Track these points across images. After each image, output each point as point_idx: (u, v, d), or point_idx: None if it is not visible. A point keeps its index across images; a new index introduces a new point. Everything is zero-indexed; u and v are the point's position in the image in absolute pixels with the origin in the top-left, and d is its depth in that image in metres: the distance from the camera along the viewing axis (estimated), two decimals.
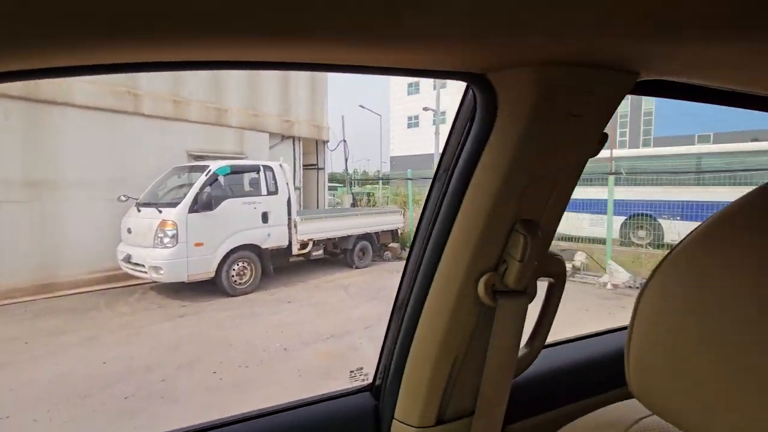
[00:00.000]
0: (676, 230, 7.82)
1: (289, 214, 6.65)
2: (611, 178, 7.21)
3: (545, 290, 0.72)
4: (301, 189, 8.97)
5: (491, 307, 0.64)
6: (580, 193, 9.13)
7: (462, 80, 0.55)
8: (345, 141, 11.93)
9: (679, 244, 0.40)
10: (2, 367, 3.72)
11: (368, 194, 13.33)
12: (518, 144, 0.56)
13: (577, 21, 0.39)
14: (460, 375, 0.69)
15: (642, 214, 8.67)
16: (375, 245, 7.96)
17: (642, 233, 8.71)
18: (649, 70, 0.54)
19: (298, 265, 7.37)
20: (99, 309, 5.36)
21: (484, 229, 0.60)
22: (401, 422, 0.72)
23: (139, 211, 5.80)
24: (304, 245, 6.89)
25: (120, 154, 6.71)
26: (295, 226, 6.70)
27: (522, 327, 0.67)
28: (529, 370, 0.75)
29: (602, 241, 7.46)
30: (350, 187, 12.55)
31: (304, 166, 9.21)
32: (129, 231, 5.81)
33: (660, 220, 8.29)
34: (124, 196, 5.88)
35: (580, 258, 7.13)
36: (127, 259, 5.69)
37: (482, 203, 0.59)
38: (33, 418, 3.03)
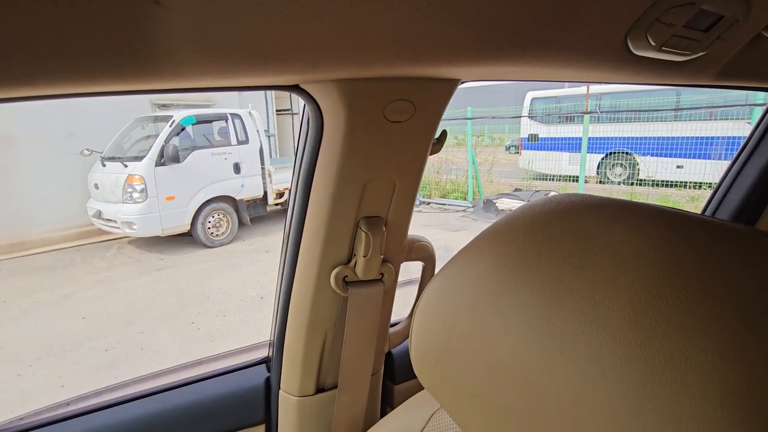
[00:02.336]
0: (652, 168, 7.96)
1: (262, 163, 6.53)
2: (586, 117, 7.15)
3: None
4: (276, 136, 8.72)
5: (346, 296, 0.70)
6: (558, 131, 9.12)
7: (282, 90, 0.54)
8: None
9: (465, 246, 0.42)
10: None
11: None
12: (344, 150, 0.58)
13: (374, 50, 0.38)
14: (332, 351, 0.75)
15: (619, 152, 8.74)
16: None
17: (619, 170, 8.84)
18: (469, 77, 0.55)
19: (276, 214, 7.39)
20: (75, 265, 5.40)
21: (328, 229, 0.64)
22: (286, 393, 0.78)
23: (104, 165, 5.63)
24: (280, 194, 6.86)
25: (77, 103, 6.36)
26: (270, 175, 6.61)
27: (383, 309, 0.72)
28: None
29: (579, 180, 7.58)
30: None
31: (277, 111, 8.88)
32: (96, 186, 5.68)
33: (636, 156, 8.39)
34: (87, 149, 5.67)
35: None
36: (98, 215, 5.62)
37: (323, 205, 0.63)
38: (17, 373, 3.17)
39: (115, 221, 5.41)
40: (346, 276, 0.69)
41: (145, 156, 5.38)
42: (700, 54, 0.50)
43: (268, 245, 6.06)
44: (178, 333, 3.68)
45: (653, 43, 0.44)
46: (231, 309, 4.10)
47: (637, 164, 8.37)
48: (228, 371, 0.84)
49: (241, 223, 6.32)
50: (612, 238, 0.31)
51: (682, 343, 0.25)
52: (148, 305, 4.21)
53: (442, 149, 0.67)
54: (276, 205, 6.99)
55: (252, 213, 6.57)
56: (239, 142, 6.26)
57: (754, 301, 0.25)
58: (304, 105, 0.61)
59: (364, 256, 0.65)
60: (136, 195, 5.29)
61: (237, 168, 6.19)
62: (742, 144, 1.13)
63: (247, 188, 6.35)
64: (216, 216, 6.00)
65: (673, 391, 0.24)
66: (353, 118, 0.56)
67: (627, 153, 8.59)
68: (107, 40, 0.31)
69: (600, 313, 0.28)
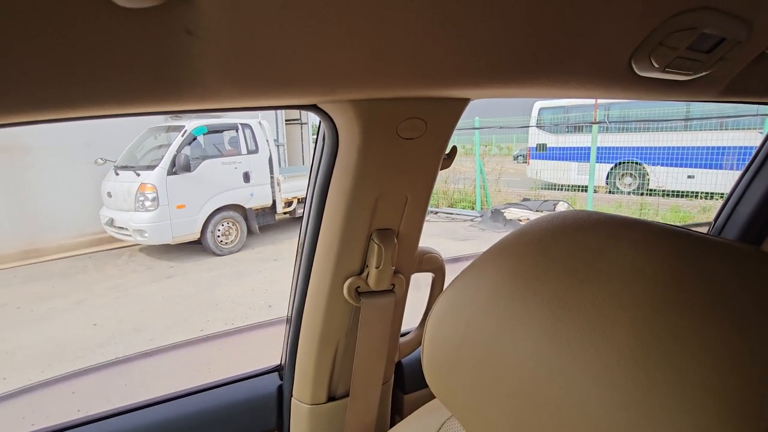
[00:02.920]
0: (663, 178, 7.88)
1: (272, 172, 6.60)
2: (594, 126, 7.14)
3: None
4: (285, 146, 8.81)
5: (359, 306, 0.72)
6: (566, 141, 9.10)
7: (300, 109, 0.57)
8: None
9: (475, 258, 0.43)
10: None
11: None
12: (358, 165, 0.61)
13: (389, 75, 0.41)
14: (344, 360, 0.76)
15: (628, 162, 8.68)
16: None
17: (628, 180, 8.77)
18: (479, 97, 0.57)
19: (285, 223, 7.44)
20: (88, 272, 5.47)
21: (342, 240, 0.67)
22: (298, 401, 0.79)
23: (117, 174, 5.74)
24: (288, 203, 6.91)
25: None
26: (278, 184, 6.67)
27: (394, 319, 0.74)
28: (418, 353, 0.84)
29: (588, 189, 7.53)
30: None
31: (286, 121, 8.99)
32: (109, 195, 5.78)
33: (646, 166, 8.32)
34: (101, 159, 5.79)
35: (561, 208, 7.24)
36: (111, 223, 5.71)
37: (337, 217, 0.65)
38: (29, 378, 3.21)
39: (126, 229, 5.49)
40: (359, 287, 0.71)
41: (157, 165, 5.48)
42: (704, 74, 0.51)
43: (276, 253, 6.10)
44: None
45: (657, 65, 0.46)
46: (239, 317, 4.12)
47: (647, 174, 8.30)
48: (241, 379, 0.86)
49: (249, 232, 6.37)
50: (616, 254, 0.33)
51: (682, 357, 0.26)
52: (158, 312, 4.25)
53: None
54: (284, 213, 7.04)
55: (261, 221, 6.62)
56: (249, 152, 6.34)
57: (749, 319, 0.26)
58: (320, 121, 0.64)
59: (377, 268, 0.67)
60: (147, 203, 5.37)
61: (246, 177, 6.27)
62: (750, 158, 1.13)
63: (257, 197, 6.42)
64: (225, 224, 6.06)
65: (672, 403, 0.25)
66: (367, 135, 0.58)
67: (636, 163, 8.53)
68: (141, 67, 0.33)
69: (605, 326, 0.29)
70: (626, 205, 7.49)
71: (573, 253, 0.36)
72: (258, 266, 5.57)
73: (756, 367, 0.24)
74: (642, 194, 8.05)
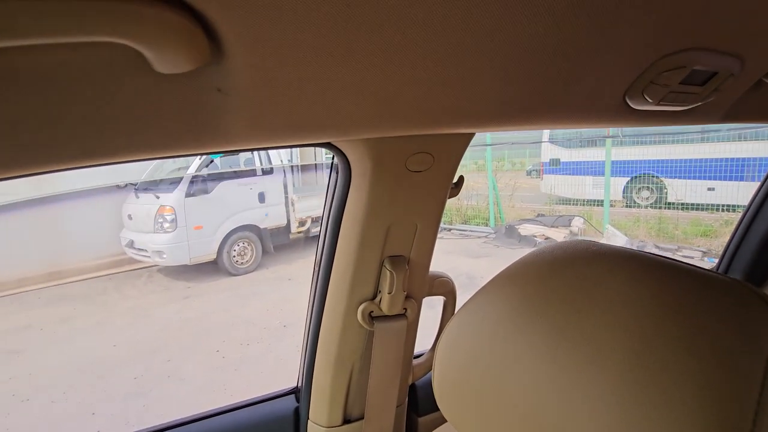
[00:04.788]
0: (681, 191, 7.73)
1: (286, 192, 6.72)
2: (608, 140, 7.08)
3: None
4: (299, 166, 8.98)
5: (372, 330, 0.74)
6: (580, 155, 9.03)
7: (314, 147, 0.60)
8: None
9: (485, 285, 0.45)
10: (20, 354, 3.97)
11: None
12: (370, 197, 0.64)
13: (400, 122, 0.44)
14: (359, 383, 0.78)
15: (645, 175, 8.55)
16: None
17: (645, 194, 8.62)
18: (484, 131, 0.60)
19: (299, 242, 7.51)
20: (108, 293, 5.60)
21: (356, 267, 0.70)
22: (314, 423, 0.81)
23: (137, 197, 5.92)
24: (302, 223, 6.99)
25: None
26: (293, 204, 6.78)
27: (407, 342, 0.76)
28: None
29: (604, 204, 7.43)
30: None
31: None
32: (130, 217, 5.95)
33: (663, 179, 8.17)
34: (122, 182, 6.00)
35: (577, 224, 7.14)
36: (131, 245, 5.87)
37: (351, 245, 0.69)
38: (51, 400, 3.27)
39: (146, 250, 5.63)
40: (372, 311, 0.73)
41: (176, 187, 5.64)
42: (700, 103, 0.53)
43: (290, 273, 6.14)
44: (204, 361, 3.74)
45: (650, 100, 0.48)
46: (254, 337, 4.14)
47: (665, 187, 8.15)
48: (259, 401, 0.87)
49: (264, 251, 6.45)
50: (614, 286, 0.35)
51: (671, 386, 0.28)
52: (175, 333, 4.31)
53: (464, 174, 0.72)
54: (298, 232, 7.11)
55: (275, 241, 6.71)
56: (264, 173, 6.48)
57: (730, 350, 0.28)
58: (333, 156, 0.67)
59: (389, 293, 0.70)
60: (166, 225, 5.51)
61: (261, 197, 6.39)
62: (752, 194, 1.12)
63: (271, 217, 6.52)
64: (241, 244, 6.15)
65: (659, 425, 0.27)
66: (378, 169, 0.62)
67: (653, 176, 8.40)
68: (176, 120, 0.37)
69: (600, 356, 0.31)
70: (644, 219, 7.35)
71: (574, 283, 0.37)
72: (272, 286, 5.62)
73: (732, 395, 0.26)
74: (660, 208, 7.89)
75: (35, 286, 5.84)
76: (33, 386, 3.44)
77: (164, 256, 5.54)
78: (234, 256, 6.08)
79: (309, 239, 7.60)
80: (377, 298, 0.73)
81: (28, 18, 0.23)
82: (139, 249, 5.75)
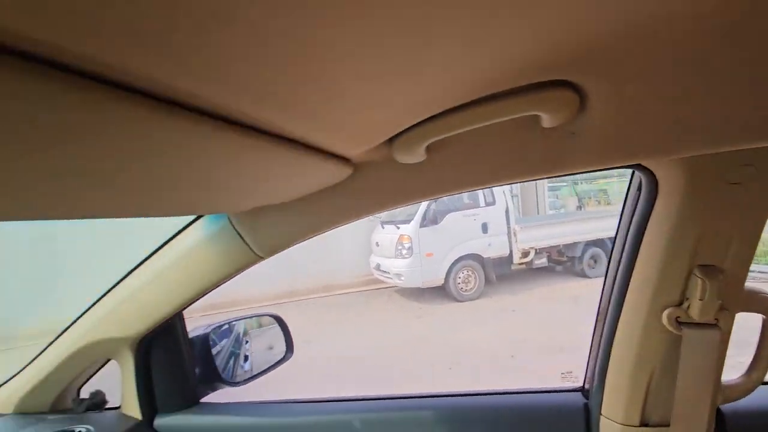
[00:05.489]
0: None
1: (508, 223, 6.76)
2: None
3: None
4: (519, 196, 8.89)
5: (679, 335, 0.73)
6: None
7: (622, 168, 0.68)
8: None
9: None
10: (309, 343, 5.25)
11: (600, 191, 11.83)
12: (679, 210, 0.67)
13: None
14: (659, 387, 0.76)
15: None
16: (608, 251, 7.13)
17: None
18: None
19: (521, 273, 7.34)
20: (360, 305, 6.84)
21: (660, 274, 0.71)
22: (607, 418, 0.83)
23: (383, 228, 7.11)
24: (525, 253, 6.85)
25: None
26: (515, 234, 6.75)
27: (718, 357, 0.71)
28: (745, 403, 0.75)
29: None
30: (573, 186, 11.49)
31: None
32: (377, 244, 7.18)
33: None
34: (373, 216, 7.34)
35: None
36: (377, 267, 7.04)
37: (656, 253, 0.71)
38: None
39: (389, 272, 6.65)
40: (678, 316, 0.73)
41: (412, 219, 6.51)
42: None
43: (514, 304, 6.05)
44: (437, 376, 4.07)
45: None
46: (482, 364, 4.24)
47: None
48: (545, 391, 0.95)
49: (487, 281, 6.60)
50: None
51: None
52: (405, 351, 4.82)
53: None
54: (521, 264, 6.98)
55: (497, 271, 6.78)
56: (486, 204, 6.73)
57: None
58: (633, 172, 0.73)
59: (700, 300, 0.69)
60: (404, 251, 6.39)
61: (484, 228, 6.63)
62: None
63: (494, 247, 6.66)
64: (465, 272, 6.50)
65: None
66: (692, 183, 0.64)
67: None
68: (531, 157, 0.56)
69: None
70: None
71: None
72: (496, 315, 5.66)
73: None
74: None
75: (314, 296, 7.68)
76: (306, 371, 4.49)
77: (402, 278, 6.41)
78: (459, 283, 6.46)
79: (533, 271, 7.33)
80: (684, 305, 0.72)
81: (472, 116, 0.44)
82: (384, 271, 6.84)
